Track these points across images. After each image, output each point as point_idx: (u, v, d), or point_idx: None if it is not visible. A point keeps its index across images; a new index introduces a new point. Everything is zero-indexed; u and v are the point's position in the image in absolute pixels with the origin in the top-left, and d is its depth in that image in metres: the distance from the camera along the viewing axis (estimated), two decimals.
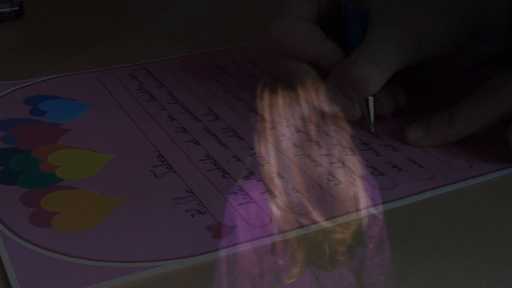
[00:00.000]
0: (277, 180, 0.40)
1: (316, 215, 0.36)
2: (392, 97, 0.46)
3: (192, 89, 0.52)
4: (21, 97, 0.51)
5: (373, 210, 0.36)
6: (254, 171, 0.41)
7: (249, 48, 0.59)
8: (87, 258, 0.33)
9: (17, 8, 0.66)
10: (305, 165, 0.41)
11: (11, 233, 0.35)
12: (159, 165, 0.41)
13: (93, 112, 0.48)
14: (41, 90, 0.52)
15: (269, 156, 0.42)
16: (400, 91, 0.47)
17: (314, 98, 0.43)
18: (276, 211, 0.37)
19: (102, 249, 0.34)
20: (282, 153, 0.43)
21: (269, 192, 0.39)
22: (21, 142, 0.44)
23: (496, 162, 0.41)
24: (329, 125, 0.45)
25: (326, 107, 0.43)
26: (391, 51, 0.43)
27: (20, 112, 0.48)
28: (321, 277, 0.32)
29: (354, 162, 0.41)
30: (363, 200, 0.37)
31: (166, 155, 0.42)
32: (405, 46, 0.44)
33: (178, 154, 0.43)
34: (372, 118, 0.45)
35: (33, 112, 0.48)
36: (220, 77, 0.54)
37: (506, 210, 0.38)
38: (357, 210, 0.37)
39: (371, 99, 0.44)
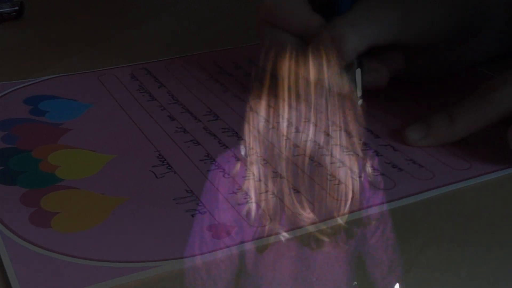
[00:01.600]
0: (276, 180, 0.40)
1: (316, 215, 0.36)
2: (387, 66, 0.46)
3: (192, 89, 0.52)
4: (21, 97, 0.51)
5: (373, 210, 0.37)
6: (253, 171, 0.41)
7: (249, 48, 0.59)
8: (87, 258, 0.33)
9: (17, 8, 0.66)
10: (305, 165, 0.41)
11: (11, 233, 0.35)
12: (159, 165, 0.41)
13: (93, 112, 0.48)
14: (41, 90, 0.52)
15: (269, 156, 0.42)
16: (397, 56, 0.47)
17: (300, 68, 0.43)
18: (275, 211, 0.37)
19: (102, 249, 0.34)
20: (282, 153, 0.43)
21: (269, 192, 0.39)
22: (21, 142, 0.44)
23: (495, 162, 0.41)
24: (329, 124, 0.45)
25: (312, 76, 0.43)
26: (372, 18, 0.44)
27: (20, 112, 0.48)
28: (320, 277, 0.32)
29: (354, 162, 0.41)
30: (363, 200, 0.37)
31: (166, 155, 0.42)
32: (388, 17, 0.44)
33: (178, 154, 0.43)
34: (359, 90, 0.45)
35: (33, 112, 0.48)
36: (220, 77, 0.54)
37: (506, 210, 0.38)
38: (357, 210, 0.37)
39: (358, 71, 0.44)
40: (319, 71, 0.43)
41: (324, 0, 0.48)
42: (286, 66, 0.42)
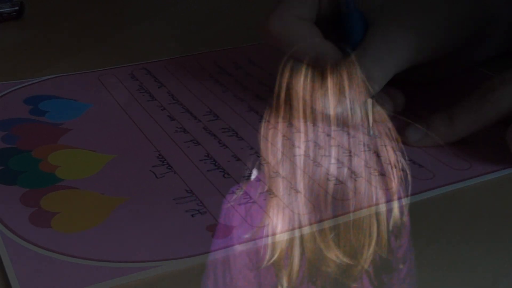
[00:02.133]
0: (277, 180, 0.40)
1: (316, 215, 0.36)
2: (391, 100, 0.46)
3: (192, 89, 0.52)
4: (21, 97, 0.51)
5: (373, 210, 0.37)
6: (253, 171, 0.41)
7: (249, 48, 0.59)
8: (87, 258, 0.33)
9: (17, 8, 0.66)
10: (305, 165, 0.41)
11: (11, 233, 0.35)
12: (159, 165, 0.41)
13: (93, 112, 0.48)
14: (41, 90, 0.52)
15: (269, 156, 0.42)
16: (398, 94, 0.47)
17: (315, 101, 0.43)
18: (276, 211, 0.37)
19: (102, 249, 0.34)
20: (282, 153, 0.43)
21: (269, 192, 0.39)
22: (21, 142, 0.44)
23: (495, 162, 0.41)
24: (330, 125, 0.45)
25: (326, 110, 0.43)
26: (392, 50, 0.43)
27: (20, 112, 0.48)
28: (319, 279, 0.32)
29: (353, 162, 0.41)
30: (363, 200, 0.38)
31: (166, 155, 0.42)
32: (407, 45, 0.44)
33: (178, 154, 0.43)
34: (371, 121, 0.44)
35: (33, 112, 0.48)
36: (220, 77, 0.54)
37: (505, 210, 0.38)
38: (357, 210, 0.37)
39: (370, 101, 0.44)
40: (334, 107, 0.43)
41: (328, 15, 0.48)
42: (302, 92, 0.42)
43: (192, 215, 0.37)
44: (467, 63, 0.52)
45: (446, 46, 0.46)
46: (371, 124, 0.45)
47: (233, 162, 0.42)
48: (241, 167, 0.41)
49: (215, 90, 0.51)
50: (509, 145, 0.40)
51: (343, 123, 0.44)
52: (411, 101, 0.48)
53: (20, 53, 0.60)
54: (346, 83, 0.44)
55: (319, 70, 0.46)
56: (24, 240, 0.35)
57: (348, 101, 0.44)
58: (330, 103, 0.43)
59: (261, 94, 0.51)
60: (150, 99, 0.50)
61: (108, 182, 0.40)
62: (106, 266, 0.33)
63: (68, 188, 0.39)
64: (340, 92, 0.44)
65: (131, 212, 0.37)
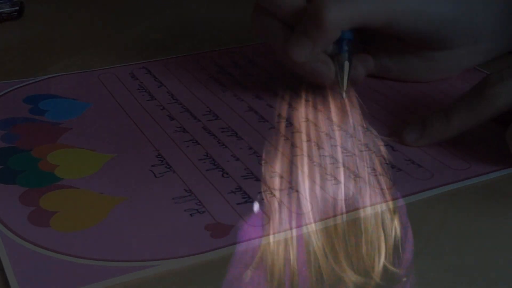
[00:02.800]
0: (275, 180, 0.40)
1: (314, 215, 0.36)
2: (363, 64, 0.48)
3: (192, 88, 0.52)
4: (21, 96, 0.51)
5: (372, 210, 0.37)
6: (252, 171, 0.41)
7: (249, 48, 0.59)
8: (86, 257, 0.33)
9: (17, 8, 0.66)
10: (304, 165, 0.41)
11: (10, 232, 0.35)
12: (158, 164, 0.41)
13: (93, 111, 0.48)
14: (40, 89, 0.52)
15: (267, 156, 0.42)
16: (368, 59, 0.49)
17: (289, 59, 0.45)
18: (274, 210, 0.37)
19: (101, 248, 0.34)
20: (281, 153, 0.43)
21: (268, 191, 0.39)
22: (20, 141, 0.44)
23: (494, 162, 0.41)
24: (329, 125, 0.45)
25: (296, 56, 0.45)
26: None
27: (20, 111, 0.48)
28: (319, 276, 0.32)
29: (353, 162, 0.41)
30: (362, 200, 0.38)
31: (165, 155, 0.42)
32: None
33: (177, 153, 0.43)
34: (345, 83, 0.45)
35: (33, 111, 0.48)
36: (220, 77, 0.54)
37: (504, 210, 0.38)
38: (356, 209, 0.37)
39: (346, 63, 0.45)
40: (303, 53, 0.44)
41: None
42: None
43: (191, 215, 0.37)
44: (464, 65, 0.52)
45: (424, 19, 0.47)
46: (344, 87, 0.45)
47: (232, 162, 0.42)
48: (240, 166, 0.41)
49: (215, 90, 0.51)
50: (508, 145, 0.40)
51: (314, 77, 0.46)
52: (411, 101, 0.48)
53: (20, 53, 0.60)
54: (307, 24, 0.44)
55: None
56: (23, 239, 0.35)
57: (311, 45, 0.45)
58: (294, 54, 0.45)
59: (260, 94, 0.51)
60: (150, 99, 0.50)
61: (107, 181, 0.40)
62: (105, 265, 0.33)
63: (67, 188, 0.39)
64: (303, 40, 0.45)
65: (130, 211, 0.37)
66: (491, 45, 0.51)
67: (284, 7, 0.47)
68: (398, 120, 0.46)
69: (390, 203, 0.37)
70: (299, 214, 0.37)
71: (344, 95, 0.45)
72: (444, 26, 0.48)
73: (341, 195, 0.38)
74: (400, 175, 0.40)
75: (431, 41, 0.48)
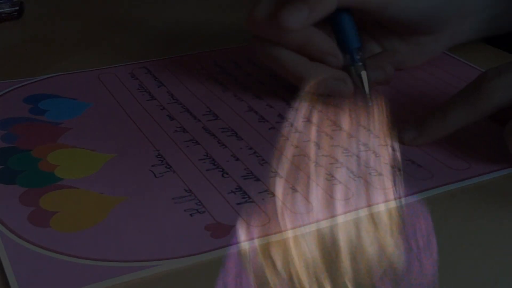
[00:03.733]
0: (275, 180, 0.40)
1: (315, 215, 0.36)
2: (390, 61, 0.49)
3: (192, 88, 0.52)
4: (21, 96, 0.51)
5: (372, 210, 0.37)
6: (252, 171, 0.41)
7: (249, 48, 0.59)
8: (86, 257, 0.34)
9: (17, 8, 0.66)
10: (304, 165, 0.41)
11: (10, 233, 0.35)
12: (158, 164, 0.41)
13: (93, 111, 0.48)
14: (40, 89, 0.52)
15: (267, 156, 0.42)
16: (390, 55, 0.50)
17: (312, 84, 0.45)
18: (274, 210, 0.37)
19: (101, 248, 0.34)
20: (281, 153, 0.43)
21: (268, 191, 0.39)
22: (20, 141, 0.44)
23: (494, 162, 0.41)
24: (329, 125, 0.45)
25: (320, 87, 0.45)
26: None
27: (20, 111, 0.48)
28: (320, 276, 0.32)
29: (352, 162, 0.41)
30: (362, 200, 0.38)
31: (165, 155, 0.42)
32: None
33: (177, 153, 0.43)
34: (366, 91, 0.45)
35: (33, 111, 0.48)
36: (220, 77, 0.54)
37: (504, 210, 0.38)
38: (356, 209, 0.37)
39: (363, 73, 0.46)
40: (298, 19, 0.45)
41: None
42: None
43: (191, 215, 0.37)
44: (447, 46, 0.53)
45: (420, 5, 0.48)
46: (368, 92, 0.45)
47: (232, 162, 0.42)
48: (240, 166, 0.41)
49: (215, 90, 0.51)
50: (507, 145, 0.40)
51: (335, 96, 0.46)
52: (411, 101, 0.48)
53: (20, 53, 0.60)
54: None
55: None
56: (23, 239, 0.35)
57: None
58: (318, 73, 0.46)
59: (260, 94, 0.51)
60: (150, 99, 0.50)
61: (107, 181, 0.40)
62: (105, 266, 0.33)
63: (68, 188, 0.39)
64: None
65: (130, 211, 0.37)
66: (474, 24, 0.52)
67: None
68: (398, 120, 0.46)
69: (390, 203, 0.37)
70: (299, 214, 0.37)
71: (370, 103, 0.45)
72: (435, 12, 0.49)
73: (341, 195, 0.38)
74: (400, 175, 0.40)
75: (421, 26, 0.50)
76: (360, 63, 0.46)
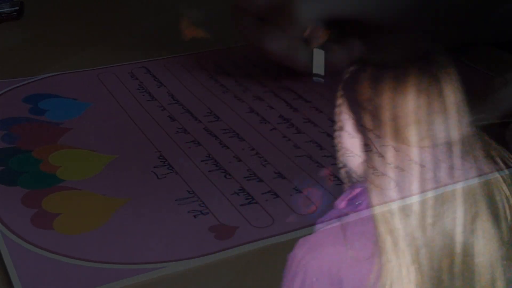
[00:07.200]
0: (278, 181, 0.40)
1: (318, 215, 0.36)
2: (347, 50, 0.48)
3: (192, 89, 0.52)
4: (20, 96, 0.50)
5: (374, 210, 0.37)
6: (255, 172, 0.41)
7: (249, 48, 0.59)
8: (90, 260, 0.33)
9: (17, 8, 0.66)
10: (306, 166, 0.41)
11: (12, 235, 0.35)
12: (160, 165, 0.41)
13: (93, 111, 0.48)
14: (40, 89, 0.52)
15: (270, 157, 0.42)
16: (356, 44, 0.49)
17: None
18: (278, 211, 0.37)
19: (105, 250, 0.34)
20: (283, 154, 0.43)
21: (271, 192, 0.39)
22: (21, 141, 0.44)
23: (494, 162, 0.41)
24: (330, 125, 0.45)
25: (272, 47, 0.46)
26: None
27: (20, 111, 0.48)
28: (320, 278, 0.32)
29: (355, 162, 0.41)
30: (364, 201, 0.38)
31: (167, 156, 0.42)
32: None
33: (179, 154, 0.43)
34: (315, 68, 0.46)
35: (33, 111, 0.48)
36: (220, 77, 0.54)
37: (504, 210, 0.38)
38: (358, 210, 0.37)
39: (318, 51, 0.47)
40: (276, 43, 0.45)
41: None
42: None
43: (195, 216, 0.37)
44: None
45: (394, 7, 0.48)
46: (315, 72, 0.47)
47: (235, 163, 0.42)
48: (243, 167, 0.41)
49: (215, 90, 0.51)
50: (509, 145, 0.40)
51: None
52: (412, 101, 0.48)
53: (20, 53, 0.60)
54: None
55: None
56: (26, 241, 0.35)
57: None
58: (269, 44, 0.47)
59: (261, 95, 0.51)
60: (150, 99, 0.50)
61: (109, 183, 0.40)
62: (109, 268, 0.33)
63: (69, 189, 0.39)
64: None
65: (133, 213, 0.37)
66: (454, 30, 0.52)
67: (257, 2, 0.48)
68: (400, 121, 0.46)
69: (391, 203, 0.38)
70: (302, 214, 0.37)
71: (317, 79, 0.46)
72: (409, 14, 0.49)
73: (344, 195, 0.38)
74: (400, 175, 0.40)
75: (395, 28, 0.50)
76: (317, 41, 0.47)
